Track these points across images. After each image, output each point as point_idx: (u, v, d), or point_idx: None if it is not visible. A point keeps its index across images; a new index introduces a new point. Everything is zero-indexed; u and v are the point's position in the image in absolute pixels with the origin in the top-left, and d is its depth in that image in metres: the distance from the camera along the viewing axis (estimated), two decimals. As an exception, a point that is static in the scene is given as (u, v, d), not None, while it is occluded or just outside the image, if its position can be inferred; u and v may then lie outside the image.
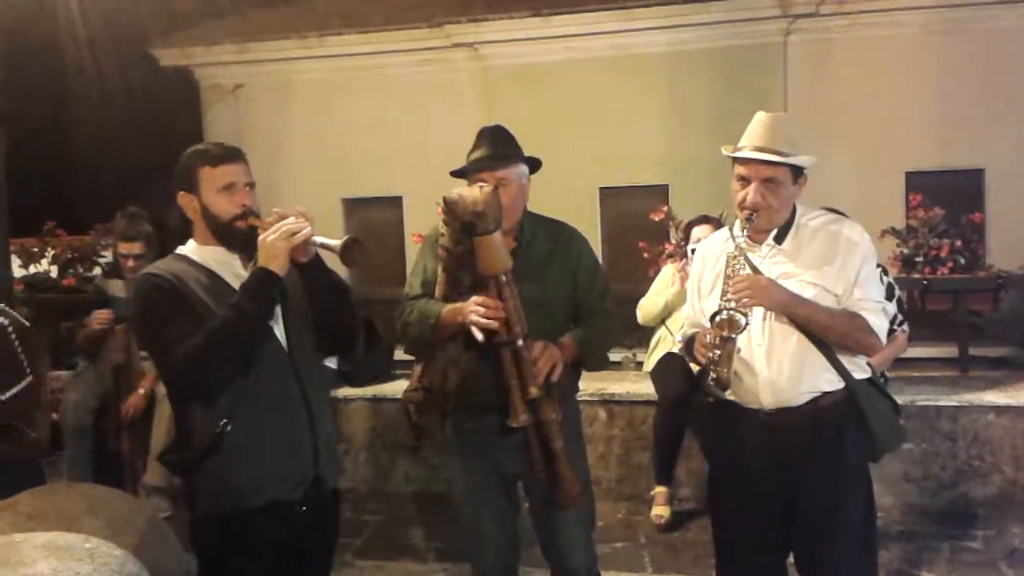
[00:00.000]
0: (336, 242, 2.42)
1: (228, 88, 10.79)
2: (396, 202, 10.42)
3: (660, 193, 9.09)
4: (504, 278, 2.83)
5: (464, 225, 2.80)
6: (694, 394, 4.68)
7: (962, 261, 5.74)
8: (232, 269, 2.60)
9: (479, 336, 2.82)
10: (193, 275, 2.56)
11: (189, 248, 2.67)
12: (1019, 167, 8.72)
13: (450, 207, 2.83)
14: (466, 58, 10.15)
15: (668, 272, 5.06)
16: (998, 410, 4.88)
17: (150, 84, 10.27)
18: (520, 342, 2.83)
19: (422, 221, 7.59)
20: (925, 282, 5.72)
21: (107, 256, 6.47)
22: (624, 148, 9.55)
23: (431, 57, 10.22)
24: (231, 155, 2.59)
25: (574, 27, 9.66)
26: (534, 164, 3.13)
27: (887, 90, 9.09)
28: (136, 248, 4.89)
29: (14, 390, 2.38)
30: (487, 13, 9.89)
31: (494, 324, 2.80)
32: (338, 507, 2.89)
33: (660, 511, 4.82)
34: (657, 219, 6.22)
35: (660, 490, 4.88)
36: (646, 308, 4.98)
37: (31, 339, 2.47)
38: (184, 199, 2.60)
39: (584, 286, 3.13)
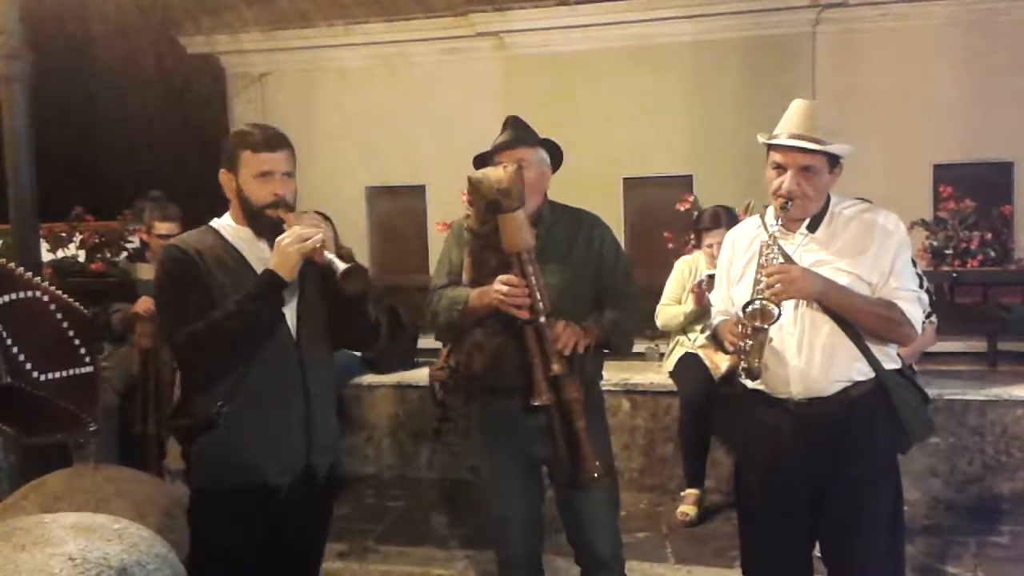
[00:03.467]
0: (341, 266, 2.50)
1: (254, 76, 10.83)
2: (420, 191, 10.43)
3: (684, 183, 9.04)
4: (527, 255, 2.89)
5: (489, 204, 2.87)
6: (719, 388, 4.67)
7: (992, 254, 5.67)
8: (257, 252, 2.66)
9: (508, 311, 2.89)
10: (217, 252, 2.64)
11: (223, 222, 2.74)
12: (1050, 160, 8.63)
13: (475, 186, 2.92)
14: (491, 47, 10.13)
15: (682, 269, 5.00)
16: (1028, 405, 4.82)
17: (177, 71, 10.32)
18: (543, 319, 2.89)
19: (445, 210, 7.58)
20: (954, 275, 5.65)
21: (134, 241, 6.50)
22: (648, 138, 9.51)
23: (456, 46, 10.21)
24: (274, 143, 2.63)
25: (599, 16, 9.61)
26: (556, 154, 3.20)
27: (915, 81, 9.00)
28: (175, 228, 4.92)
29: (62, 373, 2.37)
30: (512, 2, 9.87)
31: (521, 301, 2.86)
32: (331, 495, 2.97)
33: (687, 510, 4.79)
34: (683, 209, 6.17)
35: (690, 492, 4.86)
36: (665, 318, 4.95)
37: (83, 322, 2.49)
38: (224, 177, 2.68)
39: (608, 271, 3.16)
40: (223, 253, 2.64)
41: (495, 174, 2.87)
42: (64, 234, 6.69)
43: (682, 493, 4.91)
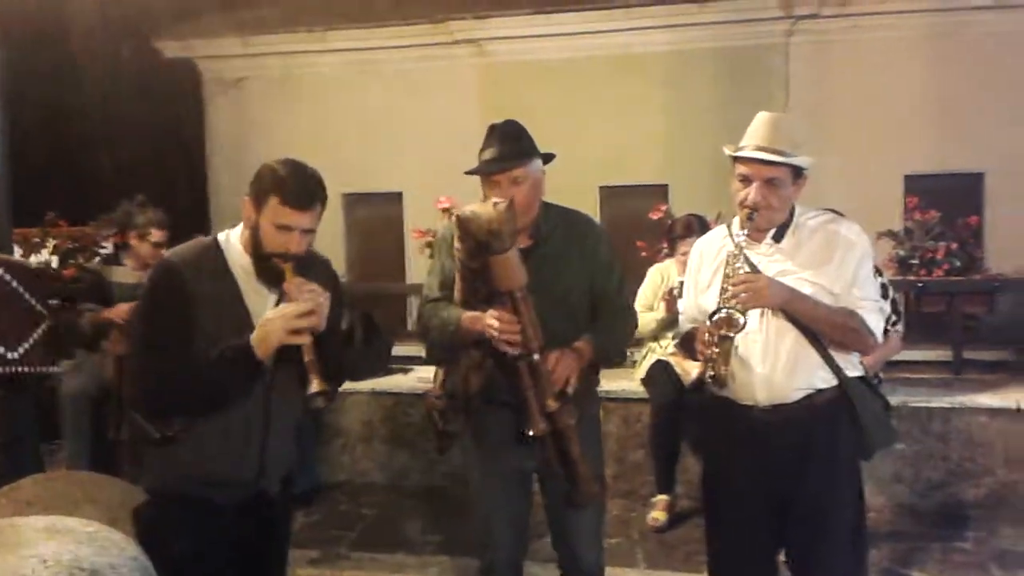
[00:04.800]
0: (314, 384, 2.37)
1: (231, 81, 10.81)
2: (396, 198, 10.44)
3: (660, 192, 9.11)
4: (519, 294, 2.79)
5: (478, 244, 2.77)
6: (689, 394, 4.73)
7: (957, 264, 5.77)
8: (255, 285, 2.58)
9: (501, 347, 2.82)
10: (213, 275, 2.55)
11: (231, 240, 2.63)
12: (1018, 171, 8.75)
13: (464, 224, 2.79)
14: (469, 55, 10.17)
15: (655, 276, 5.06)
16: (991, 412, 4.92)
17: (153, 76, 10.27)
18: (536, 356, 2.81)
19: (422, 217, 7.62)
20: (920, 284, 5.75)
21: (107, 247, 6.48)
22: (625, 147, 9.58)
23: (434, 53, 10.24)
24: (305, 202, 2.51)
25: (576, 25, 9.68)
26: (546, 158, 3.09)
27: (887, 92, 9.12)
28: (166, 236, 4.93)
29: (30, 341, 2.38)
30: (490, 10, 9.91)
31: (513, 338, 2.78)
32: (286, 510, 2.91)
33: (658, 515, 4.85)
34: (656, 218, 6.24)
35: (661, 498, 4.91)
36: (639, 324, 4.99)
37: (34, 280, 2.44)
38: (246, 206, 2.56)
39: (600, 281, 3.11)
40: (219, 278, 2.56)
41: (485, 213, 2.75)
42: (37, 239, 6.66)
43: (653, 499, 4.97)
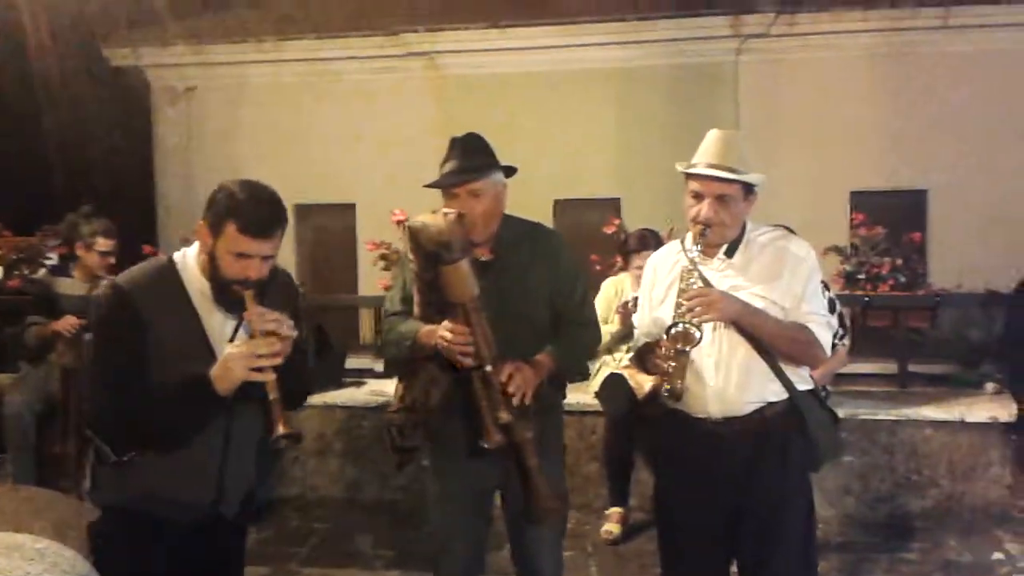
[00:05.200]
0: (280, 429, 2.31)
1: (180, 90, 10.69)
2: (349, 209, 10.41)
3: (612, 206, 9.20)
4: (470, 305, 2.78)
5: (428, 255, 2.78)
6: (641, 408, 4.76)
7: (902, 279, 5.91)
8: (213, 307, 2.48)
9: (454, 359, 2.83)
10: (169, 301, 2.45)
11: (187, 261, 2.52)
12: (960, 189, 9.00)
13: (414, 235, 2.81)
14: (422, 67, 10.19)
15: (608, 290, 5.10)
16: (935, 424, 5.02)
17: (102, 84, 10.13)
18: (488, 367, 2.80)
19: (375, 228, 7.59)
20: (866, 299, 5.87)
21: (52, 258, 6.36)
22: (577, 161, 9.67)
23: (387, 65, 10.24)
24: (264, 229, 2.39)
25: (528, 40, 9.76)
26: (508, 171, 3.09)
27: (834, 111, 9.32)
28: (114, 245, 4.85)
29: None
30: (443, 23, 9.94)
31: (464, 349, 2.78)
32: (241, 530, 2.84)
33: (612, 528, 4.86)
34: (609, 232, 6.30)
35: (614, 510, 4.93)
36: None
37: None
38: (201, 231, 2.43)
39: (563, 294, 3.10)
40: (176, 303, 2.46)
41: (435, 224, 2.76)
42: (-20, 250, 6.53)
43: (606, 511, 4.99)
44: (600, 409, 5.06)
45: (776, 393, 2.97)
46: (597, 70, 9.77)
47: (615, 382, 4.87)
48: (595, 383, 5.05)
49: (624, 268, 5.18)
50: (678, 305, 2.90)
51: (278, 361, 2.35)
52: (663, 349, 2.88)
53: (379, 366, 6.34)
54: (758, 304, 2.93)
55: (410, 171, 9.44)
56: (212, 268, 2.43)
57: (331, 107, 10.24)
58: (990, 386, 5.42)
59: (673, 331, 2.85)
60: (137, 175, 10.36)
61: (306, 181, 10.10)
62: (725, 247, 3.03)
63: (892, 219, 6.90)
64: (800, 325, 2.94)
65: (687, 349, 2.85)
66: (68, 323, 4.66)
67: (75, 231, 5.08)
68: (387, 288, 5.95)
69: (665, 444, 3.24)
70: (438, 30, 9.90)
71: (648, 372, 3.20)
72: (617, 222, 6.31)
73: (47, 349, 4.82)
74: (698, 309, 2.84)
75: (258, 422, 2.63)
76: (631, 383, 4.82)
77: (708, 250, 3.02)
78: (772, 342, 2.94)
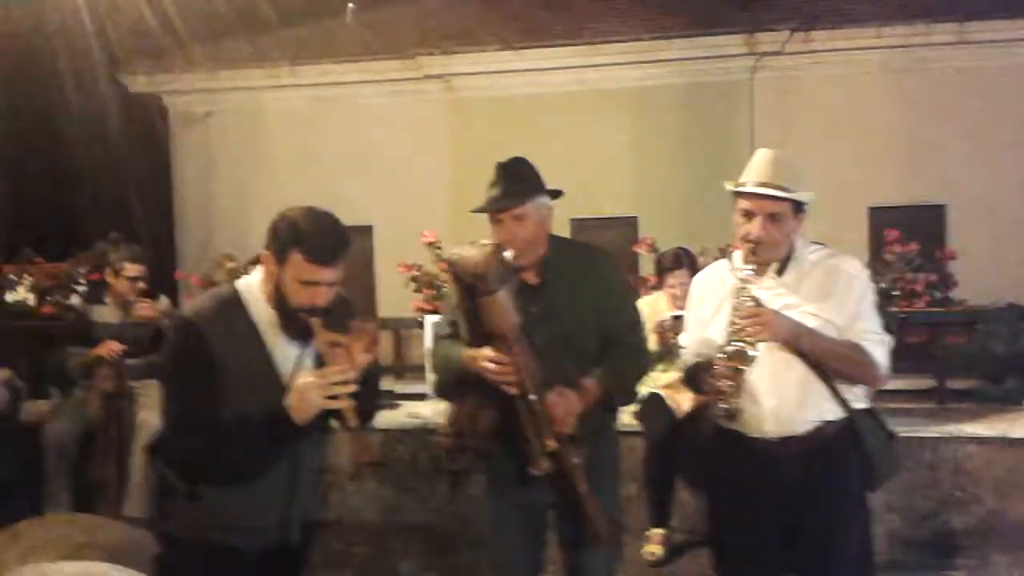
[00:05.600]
0: (365, 454, 2.36)
1: (198, 116, 10.77)
2: (366, 231, 10.43)
3: (630, 224, 9.22)
4: (511, 335, 2.78)
5: (466, 287, 2.79)
6: (681, 428, 4.75)
7: (937, 295, 5.89)
8: (280, 336, 2.47)
9: (497, 387, 2.83)
10: (237, 331, 2.45)
11: (252, 290, 2.52)
12: (979, 204, 8.99)
13: (451, 267, 2.85)
14: (438, 89, 10.25)
15: (644, 308, 5.08)
16: (979, 441, 4.97)
17: (120, 111, 10.22)
18: (533, 395, 2.79)
19: (392, 250, 7.62)
20: (903, 316, 5.85)
21: (84, 284, 6.38)
22: (594, 180, 9.67)
23: (403, 88, 10.31)
24: (330, 256, 2.40)
25: (543, 61, 9.82)
26: (554, 194, 3.10)
27: (850, 126, 9.35)
28: (143, 269, 4.87)
29: None
30: (458, 45, 10.00)
31: (507, 379, 2.79)
32: (305, 552, 2.81)
33: (654, 549, 4.82)
34: (640, 251, 6.27)
35: (656, 531, 4.89)
36: None
37: None
38: (266, 260, 2.44)
39: (611, 317, 3.07)
40: (243, 334, 2.45)
41: (471, 256, 2.77)
42: (14, 276, 6.55)
43: (647, 532, 4.95)
44: (638, 429, 5.03)
45: (833, 412, 2.96)
46: (613, 89, 9.82)
47: (654, 402, 4.85)
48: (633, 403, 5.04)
49: (658, 287, 5.17)
50: (731, 324, 2.90)
51: (352, 389, 2.34)
52: (718, 368, 2.88)
53: (401, 387, 6.35)
54: (811, 323, 2.92)
55: (427, 192, 9.51)
56: (278, 297, 2.43)
57: (347, 130, 10.29)
58: (1030, 401, 5.35)
59: (729, 350, 2.85)
60: (156, 199, 10.43)
61: (322, 203, 10.06)
62: (776, 266, 3.03)
63: (912, 234, 6.88)
64: (855, 344, 2.92)
65: (743, 368, 2.85)
66: (110, 348, 4.68)
67: (104, 257, 5.12)
68: (420, 310, 6.02)
69: (717, 464, 3.23)
70: (453, 52, 9.96)
71: (702, 392, 3.19)
72: (649, 241, 6.27)
73: (89, 376, 4.84)
74: (752, 329, 2.85)
75: (319, 447, 2.66)
76: (670, 403, 4.81)
77: (758, 269, 3.02)
78: (826, 361, 2.92)
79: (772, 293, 3.01)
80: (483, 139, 9.21)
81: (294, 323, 2.43)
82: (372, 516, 5.66)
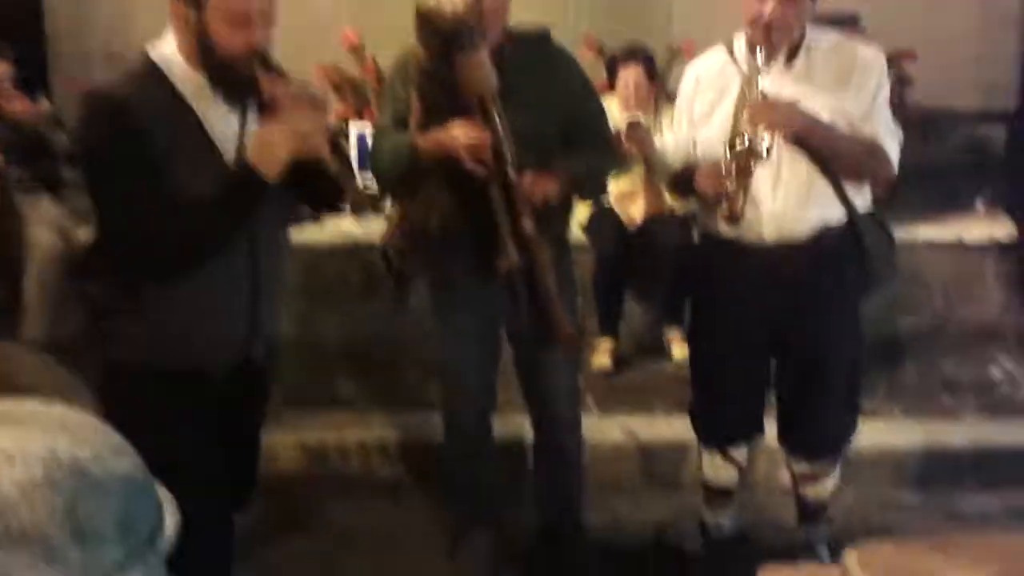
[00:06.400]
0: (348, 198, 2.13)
1: None
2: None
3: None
4: (490, 98, 2.56)
5: (444, 40, 2.51)
6: (634, 239, 4.53)
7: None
8: (211, 102, 2.08)
9: (469, 165, 2.56)
10: (161, 108, 2.03)
11: (166, 54, 2.08)
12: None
13: (425, 18, 2.53)
14: None
15: None
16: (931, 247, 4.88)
17: None
18: (510, 171, 2.59)
19: (299, 56, 6.90)
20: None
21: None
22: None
23: None
24: None
25: None
26: None
27: None
28: (8, 69, 4.31)
29: None
30: None
31: (484, 152, 2.55)
32: (269, 374, 2.50)
33: (603, 360, 4.66)
34: (591, 55, 5.62)
35: (605, 342, 4.71)
36: None
37: None
38: (176, 7, 2.02)
39: (575, 108, 2.84)
40: (168, 108, 2.05)
41: (449, 3, 2.49)
42: None
43: (595, 343, 4.77)
44: (586, 243, 4.75)
45: (836, 215, 2.77)
46: None
47: (603, 216, 4.57)
48: (581, 216, 4.74)
49: (610, 88, 4.74)
50: (738, 118, 2.63)
51: (325, 132, 2.06)
52: (722, 167, 2.63)
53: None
54: (823, 116, 2.68)
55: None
56: (203, 50, 2.02)
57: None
58: (980, 204, 5.21)
59: (737, 147, 2.60)
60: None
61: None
62: (784, 54, 2.73)
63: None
64: (870, 139, 2.72)
65: (752, 166, 2.61)
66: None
67: None
68: (342, 118, 5.43)
69: (705, 271, 3.02)
70: None
71: (696, 197, 2.92)
72: (596, 43, 5.58)
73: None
74: (764, 122, 2.58)
75: (284, 256, 2.37)
76: (622, 217, 4.55)
77: (767, 55, 2.71)
78: (840, 158, 2.72)
79: (780, 84, 2.73)
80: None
81: (228, 76, 2.04)
82: (300, 336, 5.33)
